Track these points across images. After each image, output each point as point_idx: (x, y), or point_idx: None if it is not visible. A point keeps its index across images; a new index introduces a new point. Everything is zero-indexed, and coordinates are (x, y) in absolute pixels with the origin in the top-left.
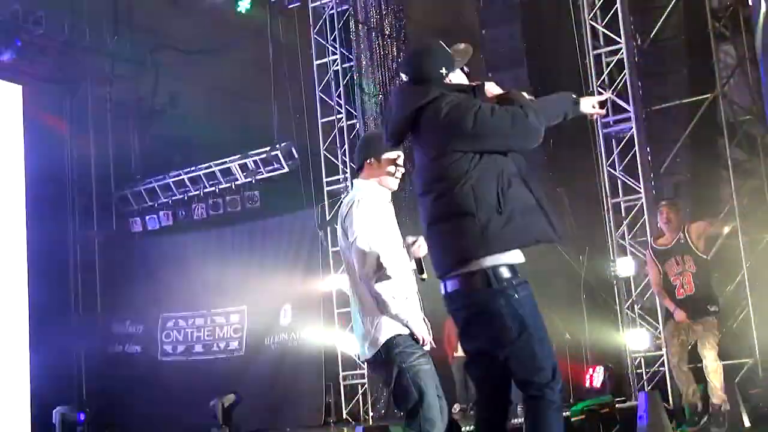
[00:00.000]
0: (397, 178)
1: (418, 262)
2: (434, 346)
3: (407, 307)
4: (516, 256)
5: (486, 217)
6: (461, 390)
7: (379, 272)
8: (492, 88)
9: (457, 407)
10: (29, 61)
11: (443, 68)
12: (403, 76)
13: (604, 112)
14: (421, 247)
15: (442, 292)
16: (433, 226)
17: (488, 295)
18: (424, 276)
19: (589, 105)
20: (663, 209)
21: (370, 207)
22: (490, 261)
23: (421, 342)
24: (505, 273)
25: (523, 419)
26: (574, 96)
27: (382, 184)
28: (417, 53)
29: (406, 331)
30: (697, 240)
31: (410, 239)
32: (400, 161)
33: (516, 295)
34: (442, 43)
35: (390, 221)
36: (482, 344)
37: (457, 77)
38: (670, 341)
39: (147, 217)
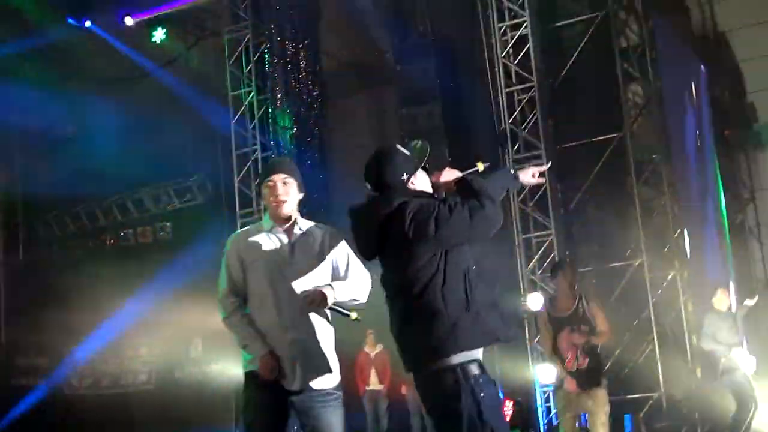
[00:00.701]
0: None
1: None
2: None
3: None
4: (480, 353)
5: (456, 315)
6: (372, 422)
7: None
8: (449, 175)
9: None
10: None
11: (404, 174)
12: (367, 184)
13: (543, 180)
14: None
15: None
16: (405, 327)
17: (457, 394)
18: (353, 315)
19: (528, 175)
20: (560, 276)
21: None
22: (460, 357)
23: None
24: (474, 370)
25: None
26: (513, 171)
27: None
28: (377, 162)
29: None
30: (595, 312)
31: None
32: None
33: (483, 394)
34: (400, 148)
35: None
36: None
37: (420, 178)
38: (562, 414)
39: (56, 247)
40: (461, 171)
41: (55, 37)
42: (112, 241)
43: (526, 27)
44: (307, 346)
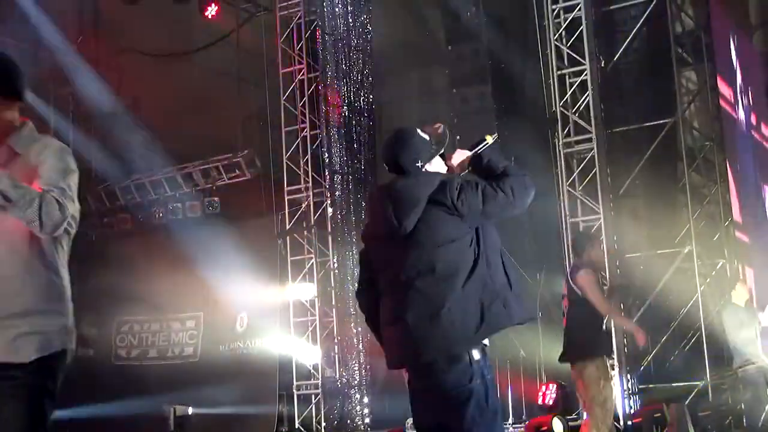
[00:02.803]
0: None
1: None
2: None
3: None
4: None
5: (491, 297)
6: None
7: None
8: (460, 156)
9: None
10: None
11: (419, 160)
12: (385, 165)
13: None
14: None
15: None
16: (436, 310)
17: (470, 376)
18: None
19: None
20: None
21: None
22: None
23: None
24: (484, 352)
25: None
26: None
27: None
28: (394, 144)
29: None
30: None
31: None
32: None
33: (489, 377)
34: (420, 132)
35: None
36: (445, 420)
37: (435, 164)
38: (607, 382)
39: (105, 219)
40: (470, 149)
41: (106, 9)
42: (161, 214)
43: (579, 9)
44: None
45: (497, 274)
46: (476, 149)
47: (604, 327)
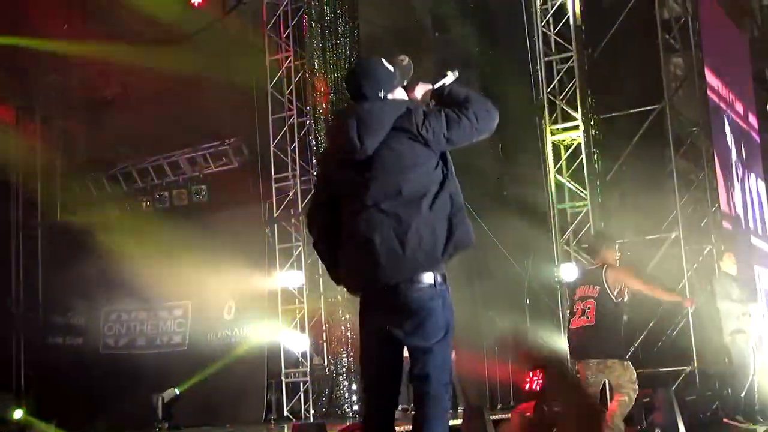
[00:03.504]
0: None
1: None
2: None
3: None
4: None
5: (456, 221)
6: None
7: None
8: (422, 89)
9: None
10: None
11: (382, 90)
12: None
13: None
14: None
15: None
16: (403, 234)
17: (433, 297)
18: None
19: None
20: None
21: None
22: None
23: None
24: (443, 277)
25: (413, 417)
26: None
27: None
28: (358, 73)
29: None
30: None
31: None
32: None
33: (449, 297)
34: (384, 62)
35: None
36: (404, 334)
37: (398, 95)
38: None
39: (92, 208)
40: (432, 84)
41: None
42: (148, 203)
43: None
44: None
45: (459, 192)
46: (438, 83)
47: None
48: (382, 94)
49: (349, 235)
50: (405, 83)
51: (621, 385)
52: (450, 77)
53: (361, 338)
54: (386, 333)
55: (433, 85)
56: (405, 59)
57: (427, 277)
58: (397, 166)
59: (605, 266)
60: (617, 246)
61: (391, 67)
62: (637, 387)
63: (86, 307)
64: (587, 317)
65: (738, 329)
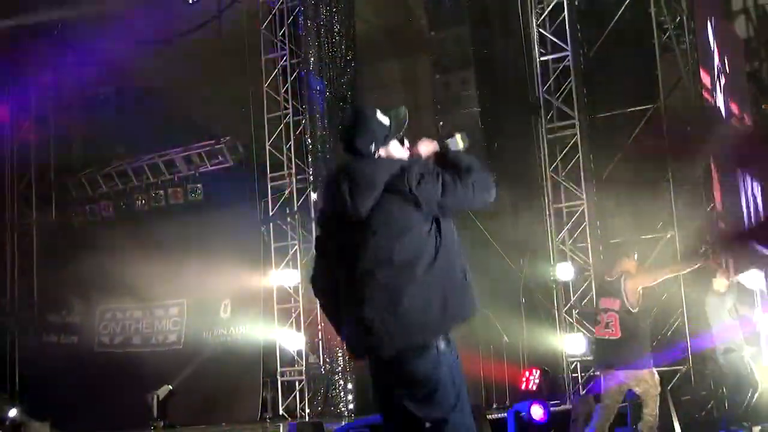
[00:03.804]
0: None
1: None
2: None
3: None
4: None
5: (451, 287)
6: None
7: None
8: (425, 147)
9: None
10: None
11: (373, 143)
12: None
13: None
14: None
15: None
16: (394, 301)
17: (439, 363)
18: None
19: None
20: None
21: None
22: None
23: None
24: (447, 341)
25: None
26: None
27: None
28: (351, 126)
29: None
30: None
31: None
32: None
33: (455, 359)
34: (378, 114)
35: None
36: (415, 405)
37: (392, 148)
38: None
39: (87, 207)
40: (438, 141)
41: None
42: (143, 201)
43: None
44: None
45: (458, 262)
46: (444, 142)
47: None
48: (373, 148)
49: (345, 308)
50: (401, 135)
51: (646, 398)
52: (459, 143)
53: (373, 392)
54: (398, 401)
55: (439, 144)
56: (402, 110)
57: (428, 346)
58: (390, 231)
59: (623, 276)
60: (632, 253)
61: (385, 120)
62: (658, 397)
63: (81, 306)
64: (611, 329)
65: (728, 348)
